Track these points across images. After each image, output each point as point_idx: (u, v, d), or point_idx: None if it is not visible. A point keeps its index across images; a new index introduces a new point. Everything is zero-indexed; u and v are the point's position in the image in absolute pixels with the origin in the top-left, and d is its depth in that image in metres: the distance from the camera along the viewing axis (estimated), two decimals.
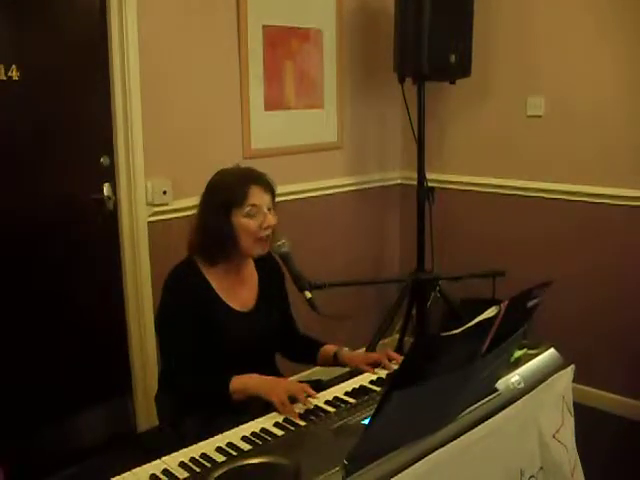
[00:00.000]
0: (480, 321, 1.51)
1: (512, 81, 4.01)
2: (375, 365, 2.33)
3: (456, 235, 4.31)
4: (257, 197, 2.29)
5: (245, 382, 2.14)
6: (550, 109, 3.87)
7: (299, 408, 1.99)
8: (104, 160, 3.31)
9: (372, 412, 1.52)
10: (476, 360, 1.59)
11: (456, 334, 1.41)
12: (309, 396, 2.04)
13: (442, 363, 1.47)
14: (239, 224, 2.27)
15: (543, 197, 3.95)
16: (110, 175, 3.33)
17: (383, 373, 2.27)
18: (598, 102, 3.69)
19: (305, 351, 2.55)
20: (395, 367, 2.28)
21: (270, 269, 2.52)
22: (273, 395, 2.01)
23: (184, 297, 2.27)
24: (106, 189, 3.32)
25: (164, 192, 3.41)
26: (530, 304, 1.73)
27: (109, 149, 3.30)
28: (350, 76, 4.21)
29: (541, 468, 2.07)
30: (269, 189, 2.34)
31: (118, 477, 1.63)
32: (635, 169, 3.61)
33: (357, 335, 3.91)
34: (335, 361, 2.45)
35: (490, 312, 1.53)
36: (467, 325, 1.46)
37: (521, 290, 1.67)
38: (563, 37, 3.77)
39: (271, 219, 2.31)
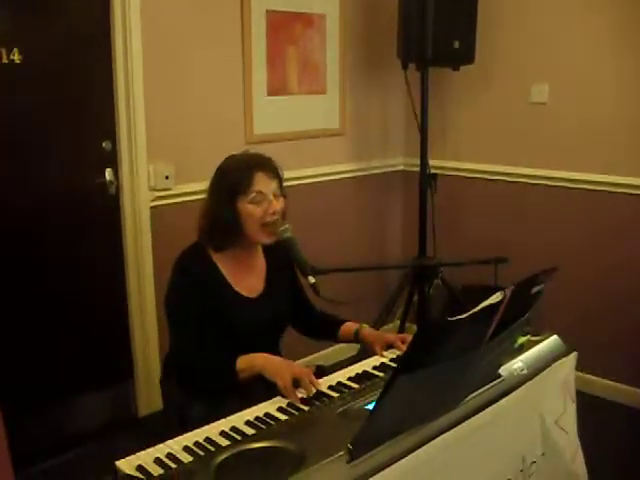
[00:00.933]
0: (485, 307, 1.51)
1: (516, 68, 3.99)
2: (389, 347, 2.35)
3: (458, 222, 4.31)
4: (262, 184, 2.29)
5: (251, 360, 2.15)
6: (554, 96, 3.86)
7: (302, 393, 1.99)
8: (106, 145, 3.31)
9: (376, 397, 1.52)
10: (481, 346, 1.59)
11: (462, 319, 1.41)
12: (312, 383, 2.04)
13: (447, 348, 1.47)
14: (244, 211, 2.27)
15: (546, 184, 3.94)
16: (112, 160, 3.32)
17: (387, 359, 2.28)
18: (602, 89, 3.68)
19: (326, 328, 2.58)
20: None
21: (279, 256, 2.51)
22: (278, 377, 2.02)
23: (193, 280, 2.28)
24: (108, 174, 3.32)
25: (166, 177, 3.40)
26: (534, 290, 1.73)
27: (111, 133, 3.30)
28: (353, 61, 4.20)
29: (543, 454, 2.09)
30: (275, 175, 2.34)
31: (122, 460, 1.64)
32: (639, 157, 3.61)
33: (358, 321, 3.91)
34: (356, 338, 2.48)
35: (495, 298, 1.53)
36: (473, 310, 1.46)
37: (525, 276, 1.67)
38: (567, 24, 3.75)
39: (276, 205, 2.30)
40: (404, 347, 2.30)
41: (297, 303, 2.59)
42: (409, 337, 2.35)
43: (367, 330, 2.47)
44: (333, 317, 2.59)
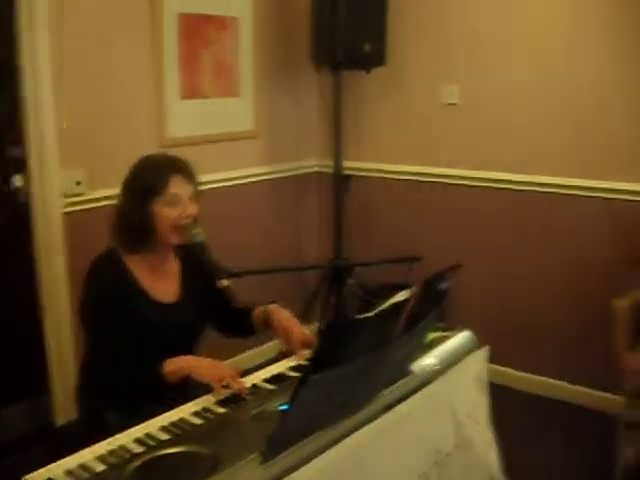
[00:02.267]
0: (392, 304, 1.54)
1: (427, 70, 4.07)
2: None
3: (374, 222, 4.36)
4: (178, 186, 2.27)
5: (179, 362, 2.14)
6: (465, 97, 3.96)
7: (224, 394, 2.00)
8: (15, 150, 3.22)
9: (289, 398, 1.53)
10: (390, 343, 1.62)
11: (368, 317, 1.44)
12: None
13: (356, 346, 1.50)
14: (159, 213, 2.25)
15: (461, 184, 4.03)
16: (21, 166, 3.24)
17: (303, 359, 2.29)
18: (512, 89, 3.80)
19: (243, 322, 2.53)
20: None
21: (193, 259, 2.50)
22: (210, 376, 2.04)
23: (106, 289, 2.24)
24: (17, 180, 3.24)
25: (78, 183, 3.34)
26: (441, 287, 1.78)
27: (20, 139, 3.21)
28: (267, 64, 4.20)
29: (456, 446, 2.13)
30: (191, 178, 2.33)
31: (32, 474, 1.59)
32: (550, 156, 3.74)
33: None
34: (265, 324, 2.45)
35: (402, 295, 1.56)
36: (379, 308, 1.49)
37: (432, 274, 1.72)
38: (476, 26, 3.86)
39: (191, 208, 2.30)
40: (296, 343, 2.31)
41: (216, 305, 2.56)
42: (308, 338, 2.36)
43: (276, 313, 2.42)
44: (245, 308, 2.52)
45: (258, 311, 2.49)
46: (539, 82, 3.71)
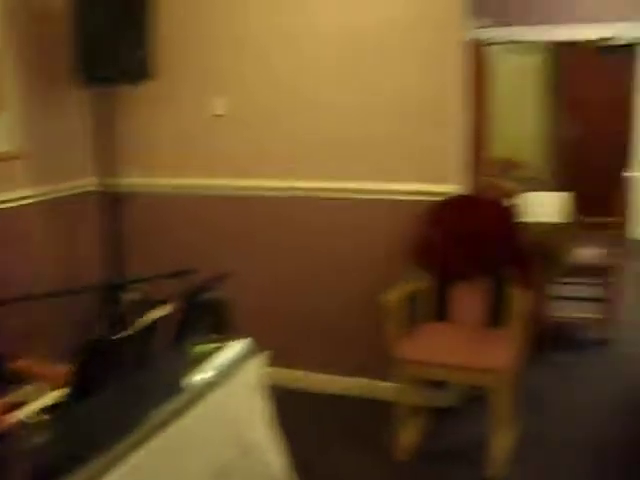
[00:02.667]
0: (150, 320, 1.54)
1: (196, 83, 4.11)
2: None
3: (153, 238, 4.30)
4: None
5: None
6: (233, 108, 4.04)
7: None
8: None
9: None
10: (153, 359, 1.62)
11: (125, 336, 1.43)
12: None
13: (115, 367, 1.48)
14: None
15: (235, 195, 4.12)
16: None
17: None
18: (279, 99, 3.94)
19: None
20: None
21: None
22: None
23: None
24: None
25: None
26: (205, 298, 1.80)
27: None
28: (28, 81, 3.98)
29: (239, 454, 2.17)
30: None
31: None
32: (318, 162, 3.92)
33: (58, 350, 3.74)
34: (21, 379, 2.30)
35: (162, 310, 1.56)
36: (137, 326, 1.49)
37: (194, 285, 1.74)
38: (241, 38, 3.96)
39: None
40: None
41: None
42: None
43: (32, 370, 2.28)
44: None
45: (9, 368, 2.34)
46: (308, 90, 3.88)
